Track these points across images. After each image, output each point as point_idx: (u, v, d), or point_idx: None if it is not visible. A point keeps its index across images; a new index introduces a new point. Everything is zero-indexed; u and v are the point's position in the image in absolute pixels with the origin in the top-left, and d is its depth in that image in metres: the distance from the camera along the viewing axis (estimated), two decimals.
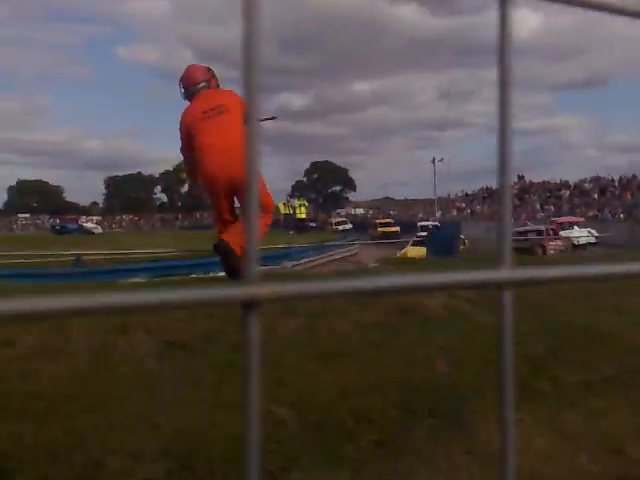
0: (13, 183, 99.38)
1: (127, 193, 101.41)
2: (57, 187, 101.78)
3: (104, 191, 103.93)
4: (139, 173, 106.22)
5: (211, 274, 10.77)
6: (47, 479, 2.27)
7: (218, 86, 5.18)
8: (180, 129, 5.02)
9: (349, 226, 48.72)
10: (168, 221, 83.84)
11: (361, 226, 44.17)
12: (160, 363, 2.91)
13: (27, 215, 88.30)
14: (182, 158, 5.20)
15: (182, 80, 5.17)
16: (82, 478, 2.24)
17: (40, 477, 2.27)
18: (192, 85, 5.08)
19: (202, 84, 5.08)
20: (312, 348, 3.11)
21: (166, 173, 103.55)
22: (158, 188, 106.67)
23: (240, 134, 4.96)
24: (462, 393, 2.83)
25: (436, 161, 68.46)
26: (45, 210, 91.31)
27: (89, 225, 63.41)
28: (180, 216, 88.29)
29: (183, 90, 5.16)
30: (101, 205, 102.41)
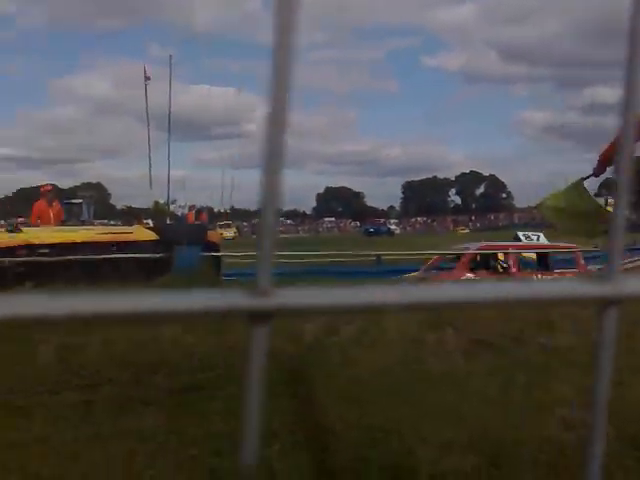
0: (322, 190, 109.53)
1: (422, 197, 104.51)
2: (359, 193, 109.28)
3: (401, 195, 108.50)
4: (434, 177, 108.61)
5: None
6: (366, 459, 2.46)
7: None
8: None
9: None
10: (461, 223, 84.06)
11: None
12: (468, 360, 2.96)
13: (332, 219, 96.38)
14: None
15: None
16: (396, 463, 2.39)
17: (358, 458, 2.48)
18: None
19: None
20: (630, 355, 2.86)
21: (462, 176, 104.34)
22: (452, 191, 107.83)
23: None
24: None
25: None
26: (347, 214, 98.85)
27: (393, 227, 70.17)
28: (473, 218, 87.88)
29: None
30: (397, 209, 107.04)
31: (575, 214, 6.19)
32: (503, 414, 2.49)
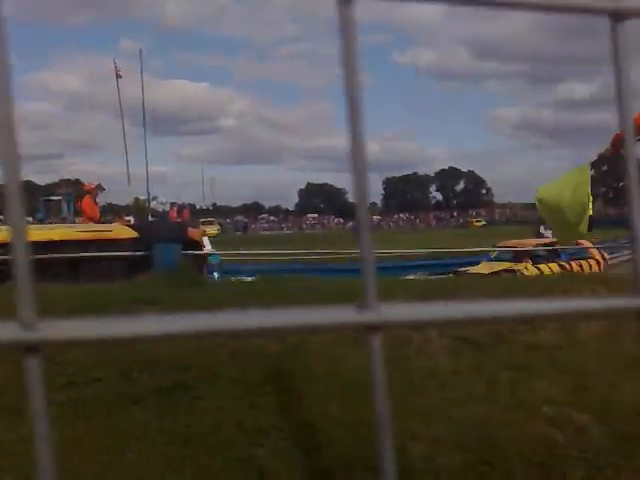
0: (303, 186, 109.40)
1: (403, 193, 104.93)
2: (340, 189, 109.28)
3: (382, 192, 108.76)
4: (415, 173, 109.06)
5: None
6: (352, 456, 2.47)
7: None
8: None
9: None
10: (443, 219, 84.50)
11: None
12: (453, 358, 2.97)
13: (315, 215, 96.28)
14: None
15: None
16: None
17: (349, 455, 2.48)
18: None
19: None
20: (615, 355, 2.90)
21: (441, 172, 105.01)
22: (433, 187, 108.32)
23: None
24: None
25: None
26: (330, 210, 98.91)
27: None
28: (455, 214, 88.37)
29: None
30: (379, 205, 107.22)
31: (559, 209, 6.09)
32: (488, 412, 2.50)
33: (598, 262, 12.34)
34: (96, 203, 11.83)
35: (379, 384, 0.38)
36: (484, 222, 67.51)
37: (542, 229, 14.90)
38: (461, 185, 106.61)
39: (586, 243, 12.88)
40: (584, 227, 6.28)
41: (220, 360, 3.08)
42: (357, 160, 0.40)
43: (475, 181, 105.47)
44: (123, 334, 0.39)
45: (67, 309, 3.58)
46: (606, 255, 12.86)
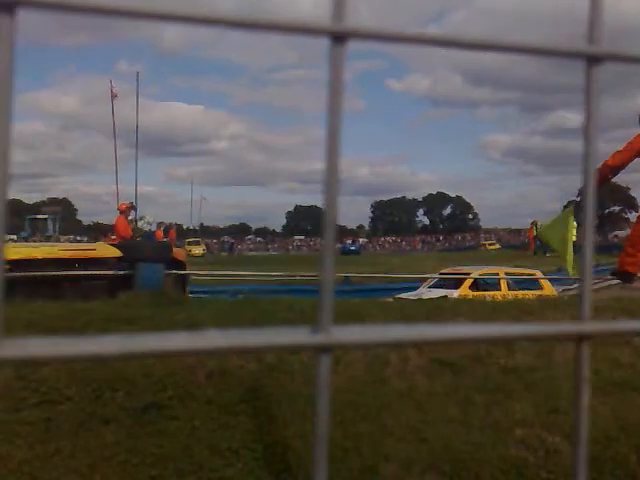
0: (291, 208, 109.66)
1: (391, 216, 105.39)
2: None
3: (370, 215, 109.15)
4: (403, 197, 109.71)
5: None
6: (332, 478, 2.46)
7: None
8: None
9: None
10: (429, 243, 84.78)
11: None
12: (429, 380, 2.98)
13: (302, 237, 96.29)
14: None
15: None
16: None
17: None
18: None
19: None
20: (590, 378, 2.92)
21: (429, 197, 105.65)
22: (420, 211, 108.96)
23: None
24: None
25: None
26: (317, 232, 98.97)
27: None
28: (441, 238, 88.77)
29: None
30: (367, 228, 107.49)
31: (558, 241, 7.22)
32: (462, 434, 2.51)
33: None
34: (129, 222, 12.36)
35: (324, 403, 0.39)
36: (498, 245, 62.52)
37: None
38: (448, 210, 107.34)
39: None
40: (570, 259, 7.28)
41: (197, 380, 3.06)
42: (330, 188, 0.41)
43: (462, 206, 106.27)
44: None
45: (43, 328, 3.55)
46: None
